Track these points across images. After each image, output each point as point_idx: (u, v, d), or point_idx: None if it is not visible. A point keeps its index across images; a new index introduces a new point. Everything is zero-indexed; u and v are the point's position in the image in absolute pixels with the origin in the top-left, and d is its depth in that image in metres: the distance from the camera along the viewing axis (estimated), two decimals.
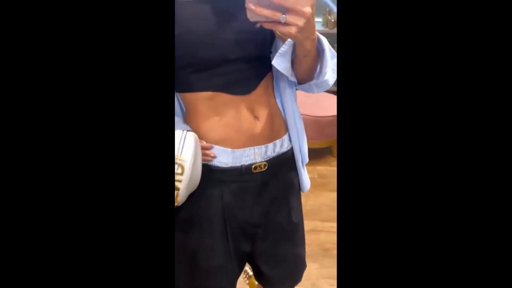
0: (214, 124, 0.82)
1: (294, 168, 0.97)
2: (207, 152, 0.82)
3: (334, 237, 2.05)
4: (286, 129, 0.92)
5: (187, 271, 0.91)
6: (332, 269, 1.80)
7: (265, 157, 0.87)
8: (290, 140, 0.93)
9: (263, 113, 0.85)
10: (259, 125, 0.84)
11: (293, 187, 0.97)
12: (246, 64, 0.79)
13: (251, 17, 0.63)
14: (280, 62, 0.76)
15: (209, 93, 0.79)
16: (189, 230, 0.88)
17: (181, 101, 0.85)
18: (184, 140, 0.75)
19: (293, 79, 0.81)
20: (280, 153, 0.90)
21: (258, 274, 1.02)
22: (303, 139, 0.95)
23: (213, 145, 0.83)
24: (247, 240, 0.92)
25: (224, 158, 0.84)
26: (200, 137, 0.82)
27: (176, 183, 0.74)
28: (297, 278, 1.06)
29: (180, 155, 0.74)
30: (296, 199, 0.99)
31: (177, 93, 0.83)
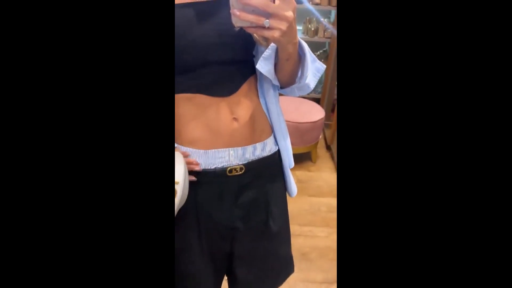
0: (189, 125, 0.81)
1: (280, 172, 0.95)
2: (192, 166, 0.82)
3: (312, 241, 2.09)
4: (271, 133, 0.90)
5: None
6: (309, 272, 1.81)
7: (243, 159, 0.85)
8: (276, 143, 0.91)
9: (243, 115, 0.83)
10: (237, 127, 0.83)
11: (277, 191, 0.94)
12: (228, 66, 0.79)
13: (236, 23, 0.64)
14: (264, 65, 0.76)
15: (188, 95, 0.79)
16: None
17: None
18: (176, 163, 0.75)
19: (276, 82, 0.82)
20: (261, 156, 0.88)
21: (232, 280, 0.98)
22: (287, 142, 0.94)
23: (185, 148, 0.82)
24: (224, 242, 0.90)
25: (196, 160, 0.82)
26: (178, 140, 0.82)
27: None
28: (276, 280, 1.02)
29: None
30: (280, 204, 0.96)
31: None
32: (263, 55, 0.76)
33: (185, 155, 0.81)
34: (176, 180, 0.73)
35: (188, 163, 0.80)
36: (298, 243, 2.02)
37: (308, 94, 1.07)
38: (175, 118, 0.81)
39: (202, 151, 0.82)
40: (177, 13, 0.75)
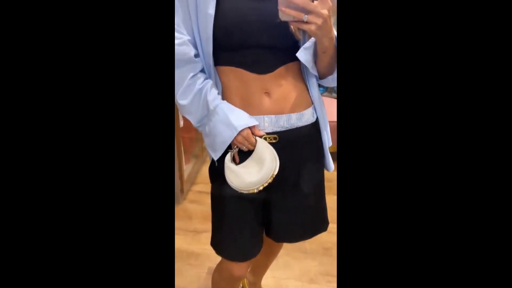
0: (230, 93, 0.99)
1: (316, 144, 1.07)
2: (257, 132, 0.98)
3: (334, 238, 2.12)
4: (309, 106, 1.03)
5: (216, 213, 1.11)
6: (330, 267, 1.95)
7: (277, 126, 0.98)
8: (314, 115, 1.04)
9: (276, 90, 0.97)
10: (268, 100, 0.97)
11: (310, 160, 1.06)
12: (268, 50, 0.95)
13: (281, 17, 0.81)
14: (303, 54, 0.92)
15: (232, 68, 0.97)
16: (216, 180, 1.09)
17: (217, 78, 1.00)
18: (274, 154, 0.98)
19: (314, 72, 0.99)
20: (297, 126, 1.00)
21: (268, 223, 1.11)
22: (326, 121, 1.07)
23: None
24: (259, 195, 1.00)
25: None
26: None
27: (267, 184, 0.96)
28: (309, 229, 1.15)
29: (274, 170, 0.96)
30: (313, 172, 1.08)
31: (215, 68, 0.99)
32: (303, 46, 0.92)
33: (259, 135, 0.98)
34: (275, 173, 0.96)
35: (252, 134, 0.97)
36: (321, 238, 1.98)
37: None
38: (223, 87, 1.00)
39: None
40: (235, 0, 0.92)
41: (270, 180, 0.96)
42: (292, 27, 0.90)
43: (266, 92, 0.99)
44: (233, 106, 0.99)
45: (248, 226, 1.08)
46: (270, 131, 1.00)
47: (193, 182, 2.74)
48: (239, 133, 0.96)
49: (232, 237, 1.10)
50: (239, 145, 0.99)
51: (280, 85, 0.99)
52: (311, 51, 0.94)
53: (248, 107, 0.99)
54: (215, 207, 1.13)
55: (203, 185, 2.71)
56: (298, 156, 1.04)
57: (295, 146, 1.03)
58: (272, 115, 0.99)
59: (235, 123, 0.96)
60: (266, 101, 0.99)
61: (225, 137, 0.99)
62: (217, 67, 1.01)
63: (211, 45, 0.95)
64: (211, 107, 0.98)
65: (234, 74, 0.99)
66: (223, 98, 1.01)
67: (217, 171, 1.06)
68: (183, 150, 2.45)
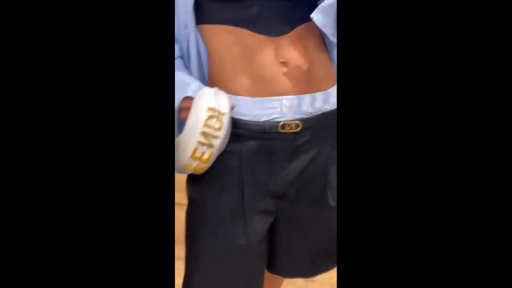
0: (229, 65, 0.68)
1: None
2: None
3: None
4: (333, 83, 0.73)
5: (197, 229, 0.74)
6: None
7: (299, 112, 0.69)
8: None
9: (295, 59, 0.68)
10: (287, 72, 0.68)
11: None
12: (283, 1, 0.67)
13: None
14: (321, 16, 0.64)
15: (228, 27, 0.67)
16: (200, 184, 0.73)
17: (201, 48, 0.70)
18: (216, 93, 0.64)
19: (334, 39, 0.69)
20: (323, 110, 0.71)
21: (273, 258, 0.81)
22: None
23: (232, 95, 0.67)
24: (269, 206, 0.73)
25: (243, 108, 0.68)
26: (219, 85, 0.68)
27: (211, 140, 0.62)
28: (323, 262, 0.83)
29: (218, 107, 0.62)
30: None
31: (197, 28, 0.69)
32: (322, 3, 0.64)
33: (231, 107, 0.67)
34: (222, 111, 0.62)
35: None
36: None
37: None
38: (213, 59, 0.70)
39: (248, 98, 0.68)
40: None
41: (193, 154, 0.62)
42: None
43: (282, 62, 0.68)
44: (182, 75, 0.69)
45: (244, 261, 0.74)
46: (291, 118, 0.69)
47: None
48: (180, 109, 0.68)
49: (219, 285, 0.75)
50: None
51: (300, 51, 0.69)
52: (332, 13, 0.65)
53: (258, 84, 0.68)
54: (192, 236, 0.77)
55: None
56: (325, 156, 0.73)
57: (322, 141, 0.73)
58: (293, 96, 0.68)
59: (176, 97, 0.67)
60: (283, 75, 0.68)
61: None
62: (200, 27, 0.69)
63: None
64: None
65: (233, 37, 0.67)
66: (212, 73, 0.71)
67: (197, 179, 0.74)
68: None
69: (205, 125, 0.62)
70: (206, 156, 0.64)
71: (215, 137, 0.63)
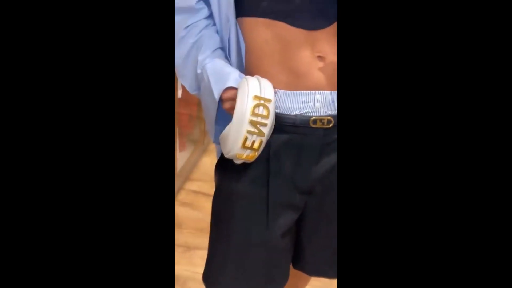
0: (265, 58, 0.70)
1: None
2: None
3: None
4: None
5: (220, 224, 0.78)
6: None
7: (332, 108, 0.70)
8: None
9: (332, 54, 0.67)
10: (323, 67, 0.68)
11: None
12: None
13: None
14: None
15: (266, 21, 0.67)
16: (229, 174, 0.76)
17: (241, 38, 0.71)
18: (260, 80, 0.65)
19: None
20: None
21: (298, 254, 0.83)
22: None
23: None
24: (296, 201, 0.75)
25: (275, 101, 0.67)
26: (253, 74, 0.69)
27: (260, 128, 0.63)
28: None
29: (264, 94, 0.64)
30: None
31: (237, 21, 0.70)
32: None
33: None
34: (268, 97, 0.63)
35: None
36: None
37: None
38: (250, 51, 0.71)
39: (281, 91, 0.69)
40: None
41: (245, 143, 0.64)
42: None
43: (319, 56, 0.68)
44: (222, 64, 0.70)
45: (268, 257, 0.77)
46: (323, 113, 0.70)
47: (187, 177, 2.03)
48: (222, 100, 0.68)
49: (241, 275, 0.78)
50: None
51: (336, 45, 0.68)
52: None
53: (292, 78, 0.69)
54: (217, 225, 0.80)
55: (202, 183, 1.98)
56: None
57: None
58: (327, 91, 0.69)
59: (215, 87, 0.68)
60: (319, 70, 0.69)
61: (211, 110, 0.72)
62: (240, 20, 0.70)
63: None
64: (199, 70, 0.71)
65: (270, 30, 0.68)
66: (249, 65, 0.72)
67: (225, 168, 0.76)
68: (178, 132, 1.88)
69: (253, 114, 0.63)
70: (256, 145, 0.65)
71: (263, 124, 0.64)
